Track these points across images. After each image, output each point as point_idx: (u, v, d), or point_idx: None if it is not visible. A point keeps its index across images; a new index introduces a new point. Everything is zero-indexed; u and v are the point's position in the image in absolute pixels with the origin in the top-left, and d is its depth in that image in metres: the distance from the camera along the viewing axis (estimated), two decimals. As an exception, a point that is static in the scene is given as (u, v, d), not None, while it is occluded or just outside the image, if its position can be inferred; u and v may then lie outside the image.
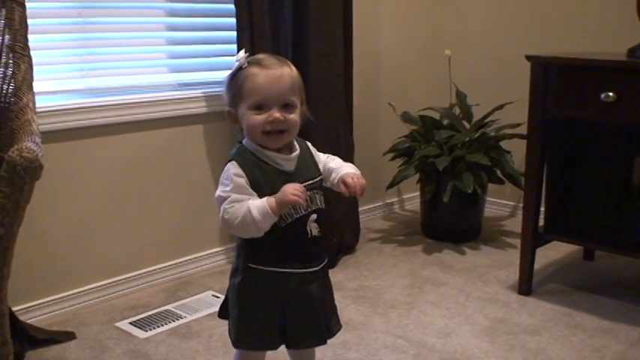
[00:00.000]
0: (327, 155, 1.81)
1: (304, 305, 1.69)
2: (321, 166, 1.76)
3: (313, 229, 1.67)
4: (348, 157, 3.19)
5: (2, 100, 2.04)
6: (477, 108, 3.50)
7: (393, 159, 3.50)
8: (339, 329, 1.81)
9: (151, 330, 2.52)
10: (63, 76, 2.65)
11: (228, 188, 1.60)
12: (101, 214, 2.72)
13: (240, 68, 1.64)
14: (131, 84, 2.82)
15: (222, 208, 1.60)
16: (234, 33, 2.90)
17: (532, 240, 2.78)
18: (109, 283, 2.78)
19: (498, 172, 3.36)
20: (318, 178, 1.73)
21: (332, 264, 3.07)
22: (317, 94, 2.92)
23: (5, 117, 2.00)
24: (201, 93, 2.97)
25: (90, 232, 2.69)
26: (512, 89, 3.38)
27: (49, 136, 2.36)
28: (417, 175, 3.46)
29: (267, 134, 1.62)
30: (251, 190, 1.60)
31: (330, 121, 3.07)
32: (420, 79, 3.94)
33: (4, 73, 2.06)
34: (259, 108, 1.61)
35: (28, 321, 2.47)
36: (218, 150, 3.03)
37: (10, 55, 2.06)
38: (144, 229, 2.86)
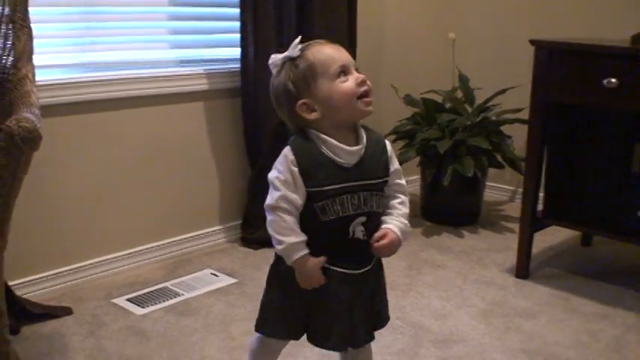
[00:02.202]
0: (398, 168, 1.62)
1: (329, 305, 1.57)
2: (392, 168, 1.59)
3: (357, 231, 1.54)
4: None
5: (1, 71, 2.02)
6: (480, 92, 3.49)
7: (394, 141, 3.48)
8: (367, 341, 1.66)
9: (148, 307, 2.52)
10: (63, 50, 2.63)
11: (281, 176, 1.50)
12: (100, 190, 2.71)
13: (292, 57, 1.52)
14: (132, 59, 2.80)
15: (271, 203, 1.51)
16: (237, 10, 2.89)
17: (530, 224, 2.78)
18: (106, 260, 2.77)
19: (499, 157, 3.35)
20: (382, 180, 1.57)
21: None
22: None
23: (4, 88, 1.99)
24: (203, 70, 2.95)
25: (89, 207, 2.69)
26: (515, 74, 3.37)
27: (47, 110, 2.34)
28: (418, 158, 3.45)
29: (363, 98, 1.51)
30: (301, 183, 1.50)
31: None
32: (424, 62, 3.92)
33: (4, 44, 2.04)
34: (343, 74, 1.50)
35: (25, 296, 2.47)
36: (219, 128, 3.02)
37: (10, 25, 2.04)
38: (143, 205, 2.85)
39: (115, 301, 2.56)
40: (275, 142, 2.84)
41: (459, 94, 3.55)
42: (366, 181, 1.53)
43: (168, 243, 2.96)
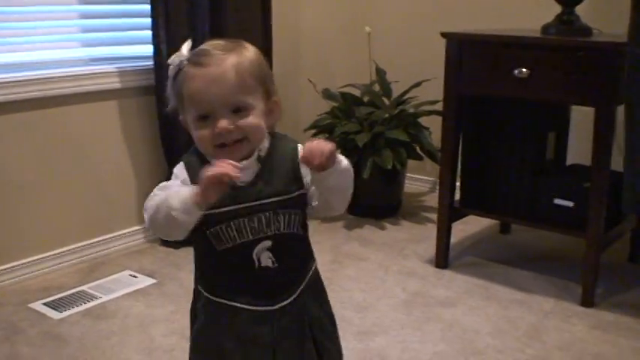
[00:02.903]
0: None
1: (251, 352, 1.35)
2: (307, 179, 1.34)
3: (264, 258, 1.33)
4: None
5: None
6: (397, 85, 3.51)
7: (314, 135, 3.49)
8: None
9: (65, 311, 2.46)
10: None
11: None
12: (11, 193, 2.63)
13: (180, 68, 1.32)
14: (42, 59, 2.73)
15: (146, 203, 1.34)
16: (149, 6, 2.84)
17: (448, 214, 2.81)
18: (22, 264, 2.69)
19: (417, 148, 3.38)
20: (290, 196, 1.34)
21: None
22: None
23: None
24: (115, 68, 2.89)
25: (0, 211, 2.61)
26: (431, 66, 3.40)
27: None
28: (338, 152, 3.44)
29: (221, 147, 1.29)
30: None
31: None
32: (341, 56, 3.93)
33: None
34: (204, 119, 1.29)
35: None
36: (133, 126, 2.97)
37: None
38: (58, 207, 2.78)
39: (31, 305, 2.50)
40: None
41: (377, 87, 3.57)
42: (267, 200, 1.32)
43: (85, 245, 2.89)
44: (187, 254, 2.84)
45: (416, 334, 2.31)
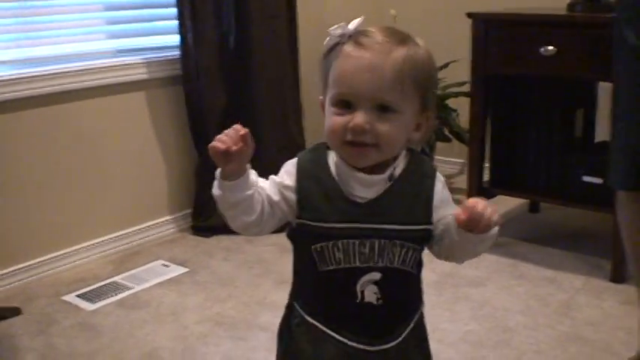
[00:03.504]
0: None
1: None
2: (436, 215, 1.16)
3: (368, 293, 1.14)
4: (296, 120, 3.20)
5: None
6: (423, 67, 3.48)
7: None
8: None
9: (98, 302, 2.50)
10: (-2, 47, 2.59)
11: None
12: (44, 186, 2.67)
13: (338, 42, 1.15)
14: (68, 52, 2.76)
15: None
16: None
17: (477, 195, 2.80)
18: (55, 257, 2.74)
19: (445, 131, 3.37)
20: (414, 228, 1.15)
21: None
22: (260, 58, 2.92)
23: None
24: (141, 59, 2.91)
25: (32, 205, 2.65)
26: (457, 47, 3.38)
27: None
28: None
29: (349, 145, 1.11)
30: (292, 196, 1.16)
31: (274, 84, 3.06)
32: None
33: None
34: (345, 105, 1.11)
35: (-29, 298, 2.44)
36: (161, 117, 3.00)
37: None
38: (89, 200, 2.82)
39: (65, 298, 2.54)
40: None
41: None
42: (386, 225, 1.13)
43: (118, 236, 2.93)
44: (218, 242, 2.88)
45: (446, 314, 2.32)
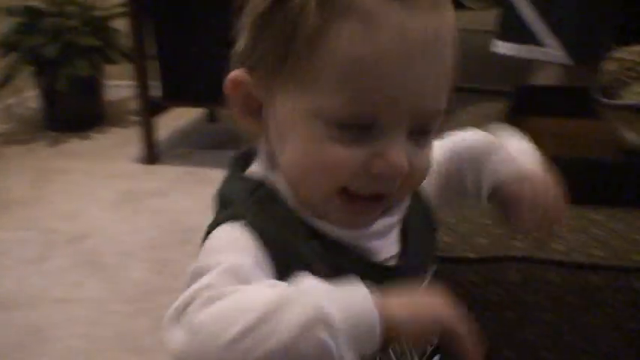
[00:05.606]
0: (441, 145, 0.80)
1: None
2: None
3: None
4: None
5: None
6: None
7: (4, 56, 3.24)
8: None
9: None
10: None
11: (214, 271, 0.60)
12: None
13: None
14: None
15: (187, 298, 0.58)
16: None
17: (147, 110, 2.79)
18: None
19: (112, 53, 3.27)
20: (436, 269, 0.78)
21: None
22: None
23: None
24: None
25: None
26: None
27: None
28: (32, 69, 3.25)
29: (352, 197, 0.65)
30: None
31: None
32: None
33: None
34: (360, 127, 0.63)
35: None
36: None
37: None
38: None
39: None
40: None
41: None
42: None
43: None
44: None
45: (127, 228, 2.31)
